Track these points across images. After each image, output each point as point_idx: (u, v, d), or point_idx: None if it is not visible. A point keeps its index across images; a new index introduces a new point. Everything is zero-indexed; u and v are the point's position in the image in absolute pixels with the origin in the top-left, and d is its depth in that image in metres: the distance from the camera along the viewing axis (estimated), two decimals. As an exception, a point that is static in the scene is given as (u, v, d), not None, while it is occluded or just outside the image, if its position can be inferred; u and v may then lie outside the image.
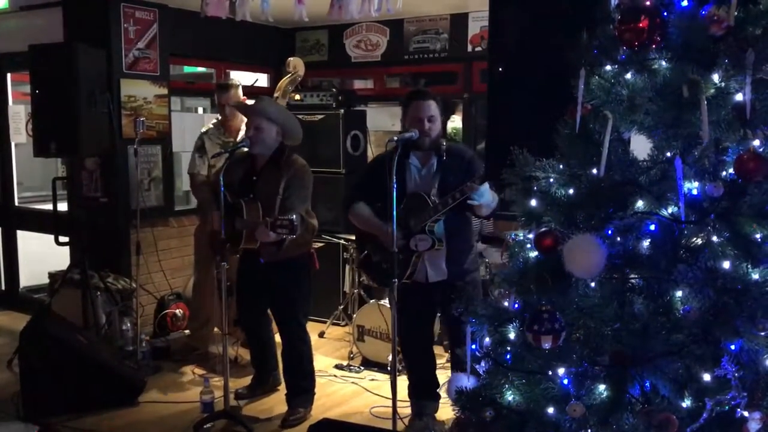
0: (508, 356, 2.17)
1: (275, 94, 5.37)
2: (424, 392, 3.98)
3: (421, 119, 3.63)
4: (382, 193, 3.44)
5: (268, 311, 4.34)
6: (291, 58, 5.48)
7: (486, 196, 3.46)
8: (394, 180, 3.18)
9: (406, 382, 4.10)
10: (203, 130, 5.10)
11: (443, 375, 4.11)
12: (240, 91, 4.96)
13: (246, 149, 4.03)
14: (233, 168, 4.05)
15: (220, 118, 5.03)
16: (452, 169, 3.65)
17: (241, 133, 4.85)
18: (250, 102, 4.58)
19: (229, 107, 4.89)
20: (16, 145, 6.39)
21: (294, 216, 3.52)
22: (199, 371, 4.86)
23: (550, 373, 2.02)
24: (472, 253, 3.87)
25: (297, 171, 3.95)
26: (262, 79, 6.84)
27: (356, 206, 3.86)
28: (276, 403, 4.35)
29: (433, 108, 3.66)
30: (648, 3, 1.89)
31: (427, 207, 3.61)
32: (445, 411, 3.84)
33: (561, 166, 2.12)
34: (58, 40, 5.28)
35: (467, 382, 2.28)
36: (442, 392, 3.83)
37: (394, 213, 3.25)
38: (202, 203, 4.86)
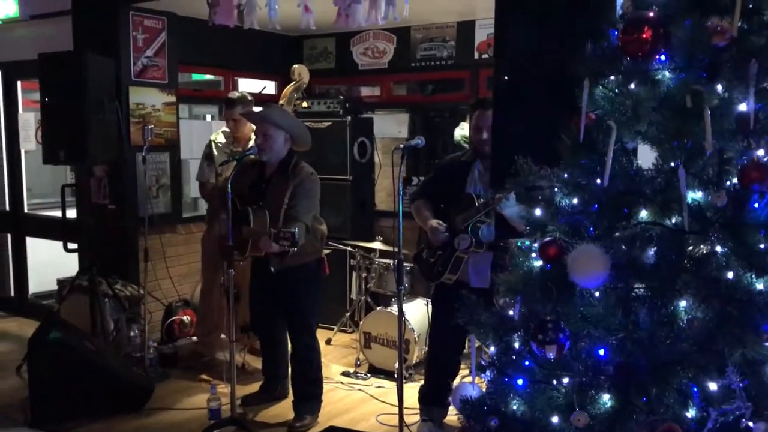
0: (513, 365, 2.17)
1: (280, 102, 5.40)
2: (435, 399, 3.97)
3: (480, 129, 3.73)
4: (442, 196, 3.79)
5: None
6: (295, 66, 5.50)
7: (511, 209, 3.48)
8: (401, 186, 3.22)
9: (414, 389, 4.11)
10: (212, 137, 5.13)
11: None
12: (251, 105, 4.94)
13: (253, 156, 4.06)
14: (242, 174, 4.07)
15: (228, 128, 5.07)
16: None
17: (251, 143, 4.88)
18: (258, 109, 4.61)
19: (233, 121, 4.92)
20: (25, 152, 6.44)
21: (295, 229, 3.55)
22: (206, 378, 4.87)
23: (555, 382, 2.03)
24: None
25: (303, 180, 3.97)
26: (270, 87, 6.87)
27: (417, 202, 4.02)
28: (283, 410, 4.36)
29: None
30: (651, 14, 1.90)
31: (473, 207, 3.67)
32: (452, 419, 3.84)
33: (565, 176, 2.13)
34: (67, 49, 5.32)
35: (472, 390, 2.29)
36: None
37: (401, 216, 3.28)
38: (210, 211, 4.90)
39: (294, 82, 5.45)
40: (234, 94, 4.99)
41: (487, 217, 3.65)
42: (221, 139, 5.09)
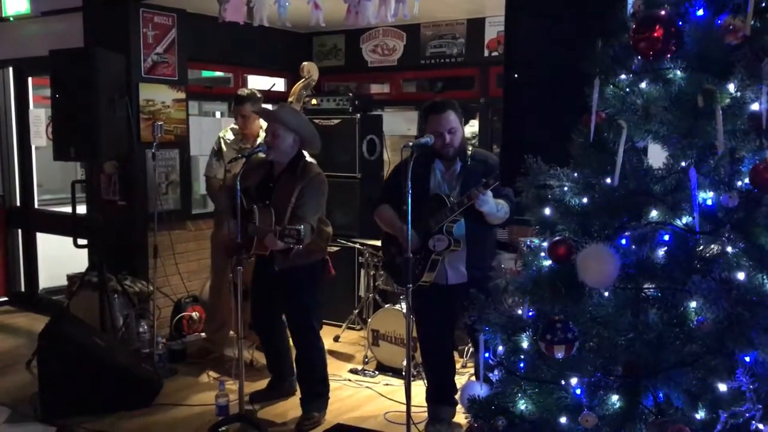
0: (521, 365, 2.17)
1: (289, 99, 5.40)
2: (441, 397, 3.98)
3: (441, 133, 3.68)
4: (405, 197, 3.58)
5: (283, 317, 4.36)
6: (305, 63, 5.50)
7: (489, 204, 3.49)
8: (409, 185, 3.19)
9: (422, 387, 4.11)
10: (221, 134, 5.14)
11: (461, 380, 4.10)
12: (260, 103, 4.95)
13: (262, 155, 4.06)
14: (250, 173, 4.08)
15: (236, 125, 5.08)
16: (475, 173, 3.67)
17: (259, 140, 4.89)
18: (270, 107, 4.62)
19: (242, 117, 4.92)
20: (36, 148, 6.48)
21: (302, 227, 3.56)
22: (214, 374, 4.89)
23: (563, 382, 2.01)
24: (494, 257, 3.88)
25: (311, 180, 3.97)
26: (279, 84, 6.87)
27: (380, 208, 3.93)
28: (290, 407, 4.36)
29: (452, 119, 3.68)
30: (663, 12, 1.89)
31: (445, 207, 3.65)
32: (462, 417, 3.83)
33: (575, 175, 2.12)
34: (78, 45, 5.35)
35: (480, 390, 2.28)
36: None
37: (409, 219, 3.26)
38: (217, 207, 4.91)
39: (303, 80, 5.45)
40: (243, 91, 5.00)
41: (459, 215, 3.65)
42: (230, 136, 5.10)
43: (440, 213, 3.67)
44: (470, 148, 3.81)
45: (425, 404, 4.07)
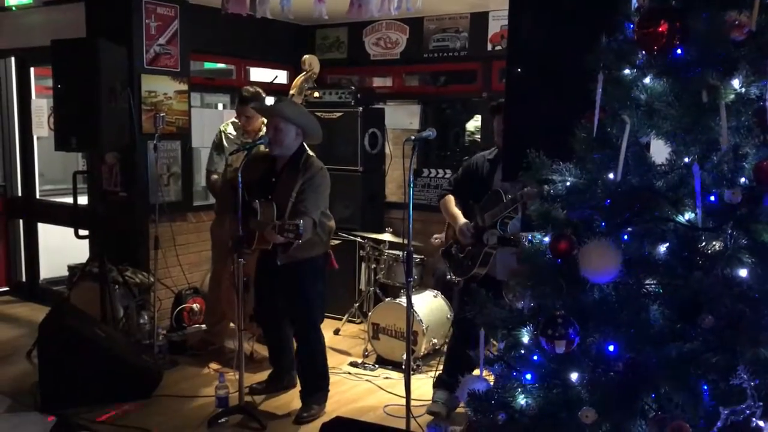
0: (521, 360, 2.16)
1: (291, 92, 5.39)
2: (450, 387, 3.98)
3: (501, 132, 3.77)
4: (471, 194, 3.93)
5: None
6: (306, 56, 5.48)
7: None
8: (411, 180, 3.20)
9: (422, 381, 4.10)
10: (222, 127, 5.13)
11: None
12: (263, 100, 4.94)
13: (264, 147, 4.05)
14: (252, 166, 4.07)
15: (239, 122, 5.06)
16: None
17: (261, 134, 4.88)
18: (270, 100, 4.61)
19: (246, 117, 4.91)
20: (38, 138, 6.47)
21: (301, 222, 3.58)
22: (214, 366, 4.89)
23: (563, 377, 2.01)
24: None
25: (314, 175, 3.96)
26: (281, 76, 6.86)
27: (446, 198, 4.15)
28: (290, 399, 4.37)
29: None
30: (667, 7, 1.88)
31: (501, 203, 3.75)
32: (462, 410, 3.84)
33: (578, 170, 2.11)
34: (80, 36, 5.33)
35: (480, 384, 2.28)
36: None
37: (410, 208, 3.27)
38: (218, 201, 4.91)
39: (304, 73, 5.43)
40: (247, 91, 4.95)
41: (514, 212, 3.71)
42: (231, 130, 5.09)
43: (496, 208, 3.78)
44: None
45: (425, 398, 4.07)
